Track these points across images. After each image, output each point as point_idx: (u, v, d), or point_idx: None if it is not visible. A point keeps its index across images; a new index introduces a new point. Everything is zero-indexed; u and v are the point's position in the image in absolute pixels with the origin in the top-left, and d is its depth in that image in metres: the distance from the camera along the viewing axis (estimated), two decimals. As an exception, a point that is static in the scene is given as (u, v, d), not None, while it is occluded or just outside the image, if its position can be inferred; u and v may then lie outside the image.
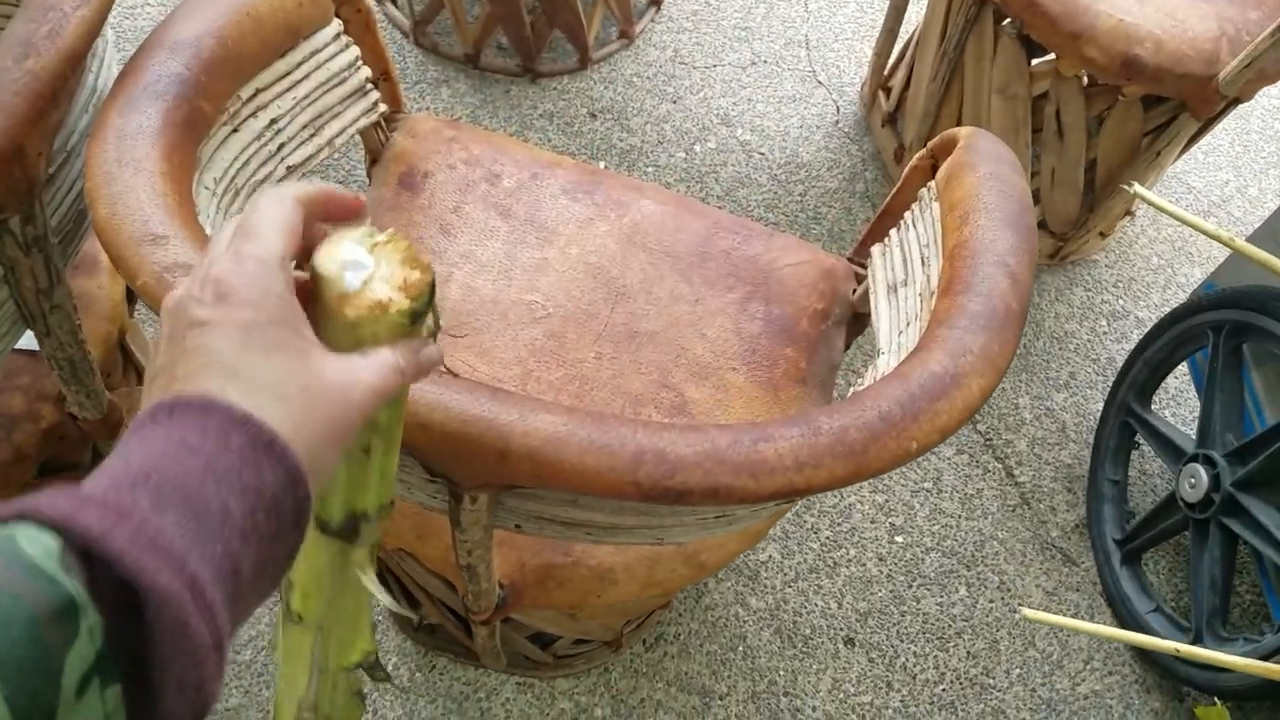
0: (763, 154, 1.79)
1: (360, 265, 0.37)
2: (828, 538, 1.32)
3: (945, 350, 0.54)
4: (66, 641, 0.25)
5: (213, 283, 0.34)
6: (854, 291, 0.98)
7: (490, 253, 0.96)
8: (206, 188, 0.67)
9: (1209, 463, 1.21)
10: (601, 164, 1.72)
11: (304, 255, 0.39)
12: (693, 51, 1.95)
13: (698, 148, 1.78)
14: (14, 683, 0.24)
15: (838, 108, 1.90)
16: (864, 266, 0.99)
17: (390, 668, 1.15)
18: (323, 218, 0.40)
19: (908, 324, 0.75)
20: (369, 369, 0.37)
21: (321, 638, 0.48)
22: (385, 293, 0.37)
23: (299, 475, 0.32)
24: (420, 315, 0.38)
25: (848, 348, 0.98)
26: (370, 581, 0.45)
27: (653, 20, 2.00)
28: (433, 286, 0.39)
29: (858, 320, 0.98)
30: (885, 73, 1.82)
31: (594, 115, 1.79)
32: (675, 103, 1.84)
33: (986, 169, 0.76)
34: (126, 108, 0.61)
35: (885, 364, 0.74)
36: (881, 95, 1.82)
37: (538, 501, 0.57)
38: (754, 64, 1.95)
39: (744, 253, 0.98)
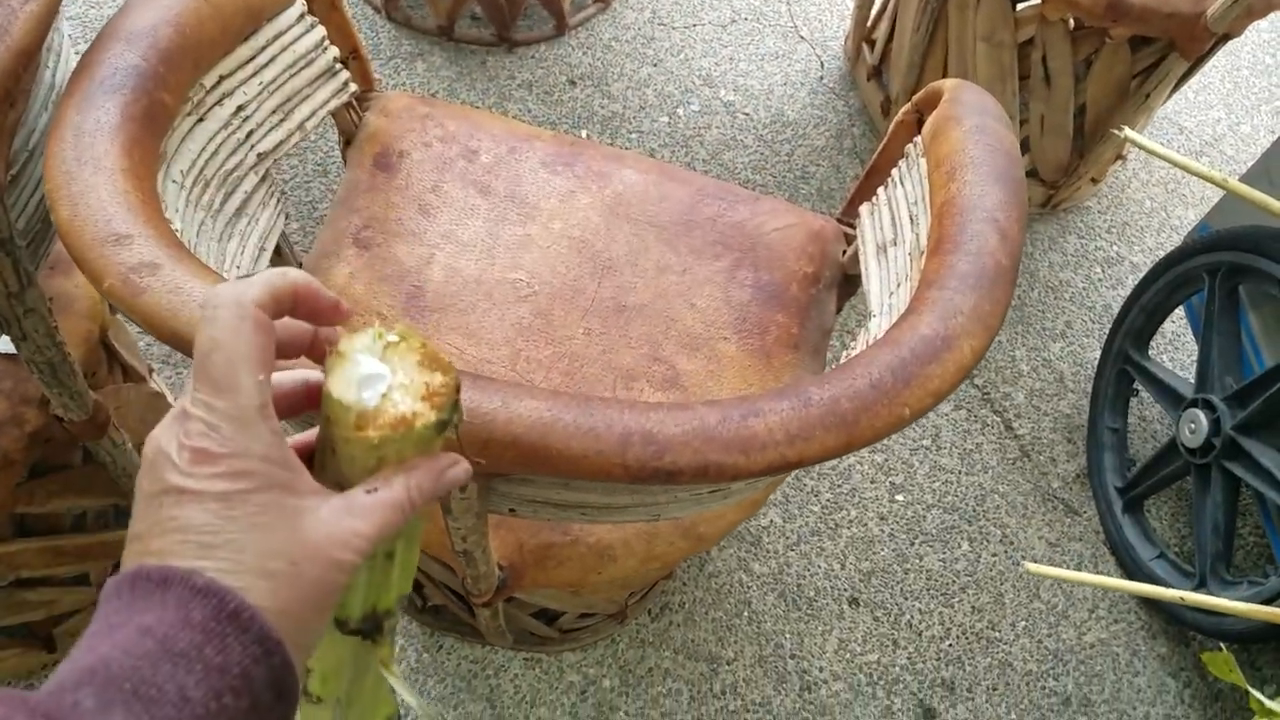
0: (747, 114, 1.76)
1: (376, 378, 0.34)
2: (828, 500, 1.32)
3: (935, 312, 0.53)
4: None
5: (189, 449, 0.31)
6: (844, 253, 0.97)
7: (471, 232, 0.94)
8: (174, 181, 0.65)
9: (1208, 407, 1.20)
10: (584, 132, 1.69)
11: (291, 350, 0.36)
12: (671, 12, 1.91)
13: (681, 111, 1.75)
14: None
15: (821, 63, 1.87)
16: (853, 227, 0.97)
17: (397, 650, 1.15)
18: (294, 314, 0.35)
19: (898, 285, 0.73)
20: (368, 518, 0.34)
21: (340, 710, 0.46)
22: (408, 405, 0.34)
23: (272, 643, 0.30)
24: (447, 424, 0.35)
25: (839, 311, 0.96)
26: (398, 682, 0.43)
27: (629, -18, 1.96)
28: (458, 389, 0.36)
29: (849, 282, 0.96)
30: (868, 25, 1.79)
31: (573, 83, 1.76)
32: (656, 66, 1.81)
33: (972, 122, 0.75)
34: (83, 104, 0.59)
35: (877, 326, 0.73)
36: (865, 48, 1.79)
37: (530, 486, 0.57)
38: (734, 21, 1.91)
39: (730, 219, 0.96)
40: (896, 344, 0.51)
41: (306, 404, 0.38)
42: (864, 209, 0.91)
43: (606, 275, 0.92)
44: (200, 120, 0.72)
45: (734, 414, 0.48)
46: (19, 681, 1.09)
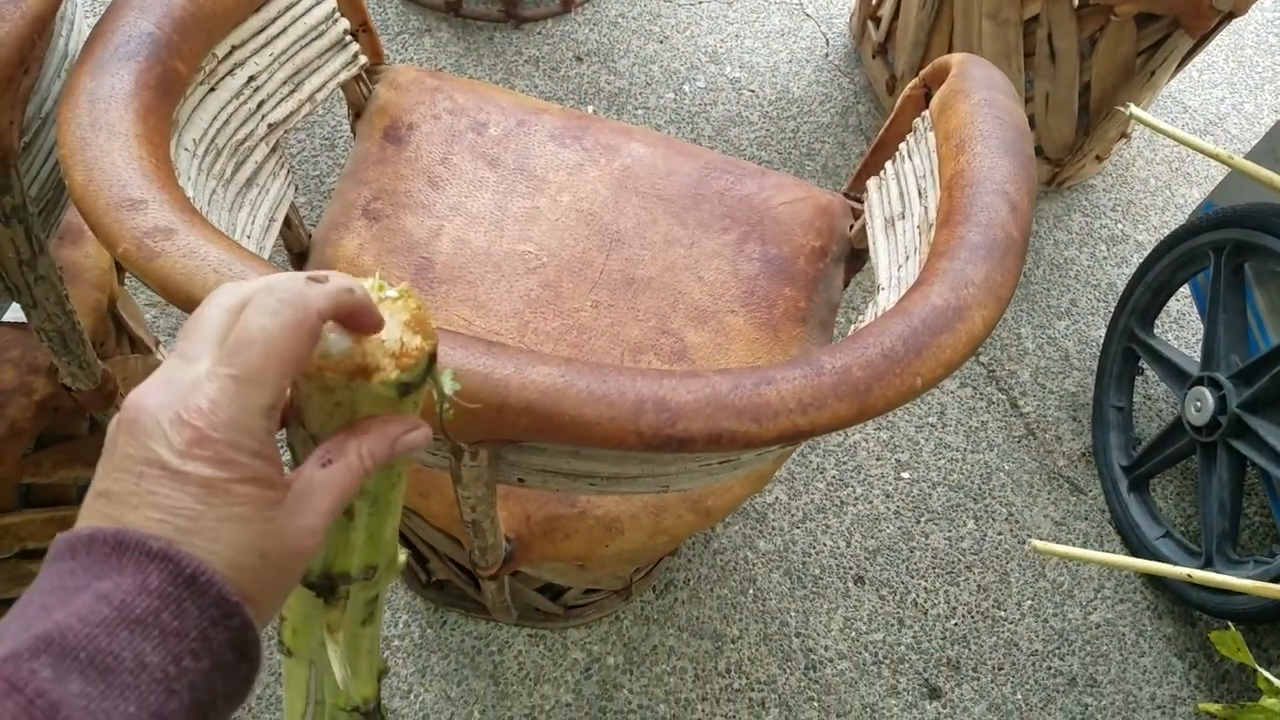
0: (753, 91, 1.75)
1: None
2: (834, 477, 1.33)
3: (946, 283, 0.53)
4: None
5: (187, 428, 0.30)
6: (851, 227, 0.97)
7: (480, 204, 0.94)
8: (186, 149, 0.65)
9: (1214, 385, 1.20)
10: (589, 108, 1.68)
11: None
12: (677, -12, 1.90)
13: (686, 87, 1.74)
14: None
15: (827, 40, 1.86)
16: (860, 201, 0.97)
17: (401, 625, 1.16)
18: (342, 323, 0.35)
19: (907, 258, 0.73)
20: (323, 495, 0.34)
21: (316, 675, 0.46)
22: (373, 359, 0.34)
23: (230, 605, 0.30)
24: (411, 388, 0.35)
25: (846, 285, 0.97)
26: (332, 650, 0.41)
27: (635, -42, 1.94)
28: (433, 357, 0.35)
29: (856, 257, 0.96)
30: (874, 2, 1.78)
31: (580, 59, 1.76)
32: (662, 42, 1.80)
33: (981, 95, 0.75)
34: (97, 70, 0.59)
35: (886, 300, 0.73)
36: (871, 25, 1.78)
37: (540, 454, 0.57)
38: (740, -1, 1.90)
39: (738, 193, 0.96)
40: (908, 314, 0.51)
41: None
42: (871, 183, 0.91)
43: (615, 248, 0.92)
44: (212, 90, 0.72)
45: (746, 382, 0.48)
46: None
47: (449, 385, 0.38)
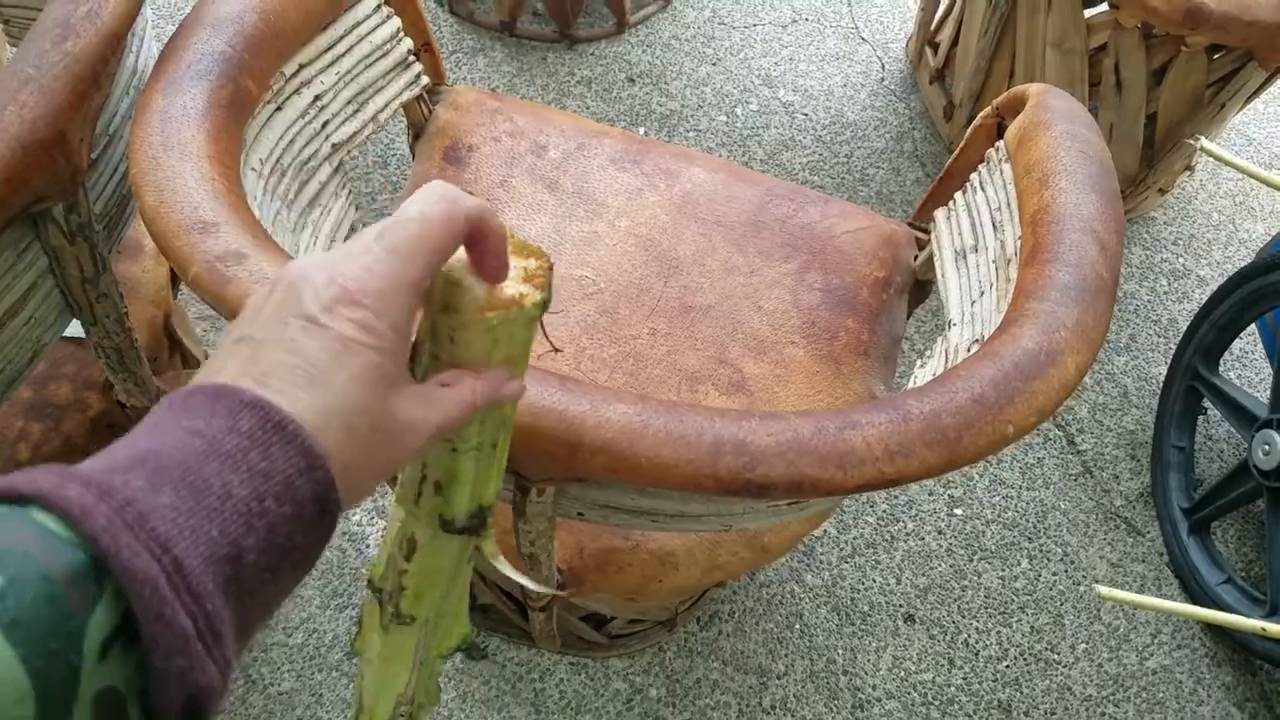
0: (806, 114, 1.73)
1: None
2: (884, 511, 1.29)
3: (1037, 325, 0.51)
4: (87, 604, 0.24)
5: (338, 285, 0.33)
6: (915, 258, 0.94)
7: (539, 227, 0.93)
8: (253, 169, 0.64)
9: (1285, 429, 1.16)
10: (641, 130, 1.68)
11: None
12: (731, 11, 1.89)
13: (739, 110, 1.73)
14: (31, 645, 0.23)
15: (882, 64, 1.84)
16: (925, 231, 0.95)
17: (444, 647, 1.14)
18: (472, 247, 0.37)
19: (981, 293, 0.71)
20: (441, 408, 0.36)
21: (426, 632, 0.47)
22: (515, 288, 0.36)
23: (316, 459, 0.30)
24: (547, 303, 0.38)
25: (908, 317, 0.94)
26: (505, 566, 0.45)
27: (689, -20, 1.94)
28: (551, 268, 0.38)
29: (920, 288, 0.94)
30: (932, 28, 1.75)
31: (632, 80, 1.75)
32: (715, 65, 1.79)
33: (1062, 128, 0.72)
34: (169, 89, 0.58)
35: (959, 336, 0.70)
36: (928, 51, 1.76)
37: (605, 490, 0.55)
38: (795, 22, 1.89)
39: (799, 220, 0.94)
40: (998, 357, 0.49)
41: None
42: (939, 214, 0.89)
43: (673, 275, 0.91)
44: (279, 109, 0.71)
45: (830, 426, 0.46)
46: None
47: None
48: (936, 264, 0.85)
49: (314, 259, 0.34)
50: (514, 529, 0.61)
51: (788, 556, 1.24)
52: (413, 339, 0.39)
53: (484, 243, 0.36)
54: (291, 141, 0.73)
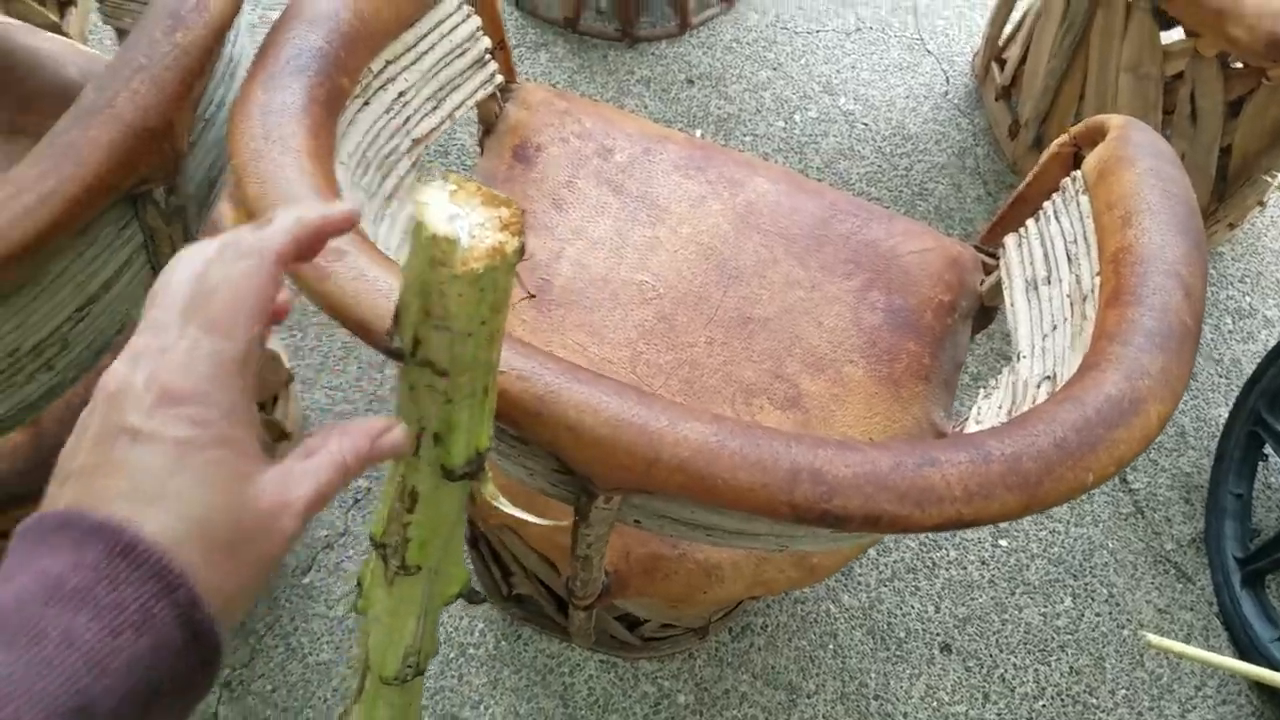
0: (866, 124, 1.72)
1: (460, 218, 0.36)
2: (927, 537, 1.29)
3: (1120, 371, 0.50)
4: None
5: (158, 386, 0.30)
6: (981, 283, 0.94)
7: (602, 230, 0.94)
8: (341, 163, 0.66)
9: (1345, 478, 1.13)
10: (698, 132, 1.68)
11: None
12: (795, 16, 1.88)
13: (798, 116, 1.72)
14: None
15: (947, 78, 1.82)
16: (992, 256, 0.94)
17: (477, 634, 1.16)
18: (306, 256, 0.36)
19: (1054, 327, 0.70)
20: (310, 480, 0.34)
21: (429, 580, 0.49)
22: (494, 237, 0.36)
23: (174, 579, 0.28)
24: (523, 249, 0.38)
25: (970, 342, 0.93)
26: (506, 505, 0.47)
27: (756, -17, 1.93)
28: (524, 213, 0.39)
29: (984, 314, 0.93)
30: (1000, 44, 1.73)
31: (691, 81, 1.75)
32: (775, 69, 1.78)
33: (1146, 164, 0.71)
34: (269, 83, 0.60)
35: (1028, 369, 0.70)
36: (995, 67, 1.74)
37: (669, 502, 0.56)
38: (859, 30, 1.88)
39: (864, 237, 0.94)
40: (1080, 402, 0.49)
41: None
42: (1010, 240, 0.88)
43: (733, 285, 0.91)
44: (366, 104, 0.73)
45: (908, 461, 0.46)
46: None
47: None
48: (1005, 292, 0.84)
49: (126, 360, 0.31)
50: (573, 532, 0.62)
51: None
52: (399, 319, 0.38)
53: (311, 250, 0.35)
54: (376, 136, 0.74)
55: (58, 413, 0.78)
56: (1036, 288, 0.78)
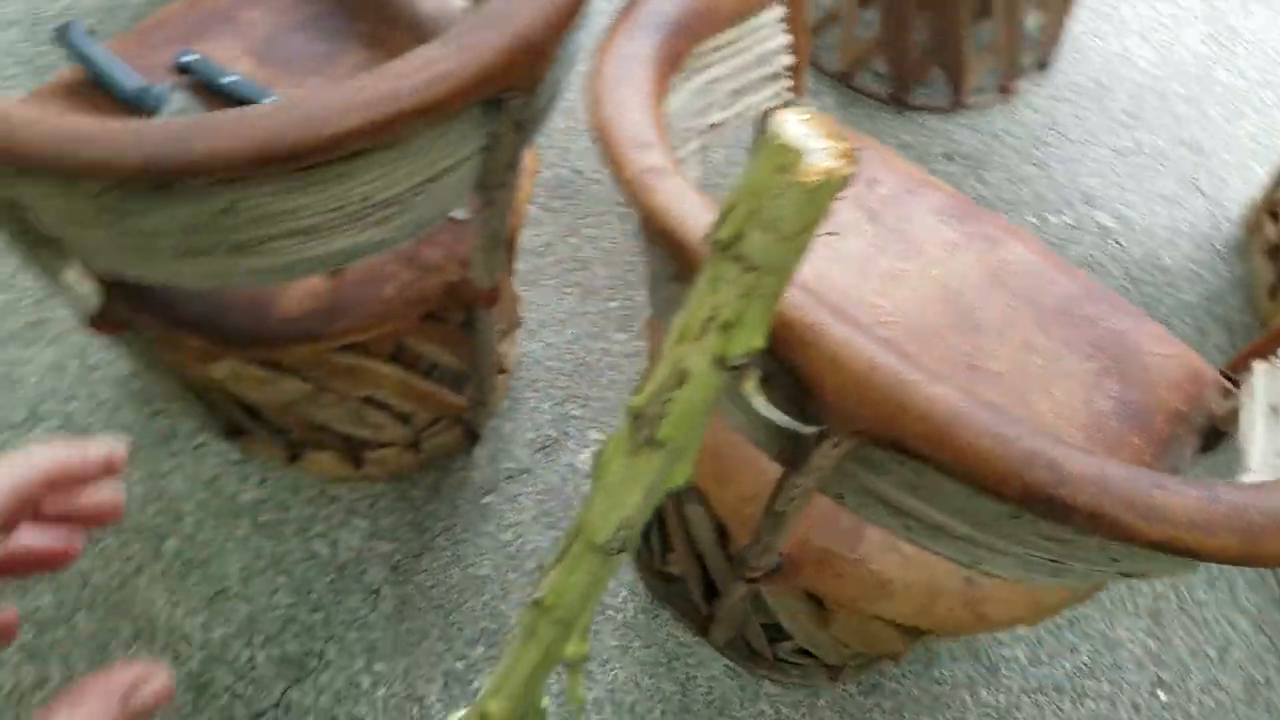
0: (1120, 244, 1.69)
1: (809, 138, 0.42)
2: (1083, 663, 1.23)
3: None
4: None
5: None
6: (1216, 404, 0.91)
7: (850, 249, 0.98)
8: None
9: None
10: (944, 209, 1.70)
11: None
12: (1070, 124, 1.88)
13: (1051, 218, 1.71)
14: None
15: (1215, 222, 1.76)
16: (1236, 384, 0.92)
17: (620, 598, 1.21)
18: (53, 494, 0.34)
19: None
20: None
21: (667, 461, 0.53)
22: (831, 161, 0.41)
23: None
24: (848, 179, 0.42)
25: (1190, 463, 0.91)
26: (762, 404, 0.54)
27: (1035, 83, 1.94)
28: (855, 149, 0.43)
29: (1215, 436, 0.91)
30: (1278, 197, 1.65)
31: (950, 158, 1.78)
32: (1038, 167, 1.78)
33: None
34: (629, 34, 0.69)
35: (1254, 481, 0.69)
36: (1268, 220, 1.66)
37: (884, 476, 0.59)
38: (1134, 152, 1.84)
39: (1110, 325, 0.94)
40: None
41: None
42: (1261, 366, 0.86)
43: (970, 334, 0.93)
44: (686, 80, 0.82)
45: (1142, 479, 0.48)
46: (317, 485, 1.25)
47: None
48: (1244, 414, 0.82)
49: None
50: (778, 485, 0.66)
51: (970, 664, 1.21)
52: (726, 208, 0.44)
53: (60, 488, 0.33)
54: (684, 109, 0.83)
55: (359, 274, 0.91)
56: (1278, 414, 0.76)
